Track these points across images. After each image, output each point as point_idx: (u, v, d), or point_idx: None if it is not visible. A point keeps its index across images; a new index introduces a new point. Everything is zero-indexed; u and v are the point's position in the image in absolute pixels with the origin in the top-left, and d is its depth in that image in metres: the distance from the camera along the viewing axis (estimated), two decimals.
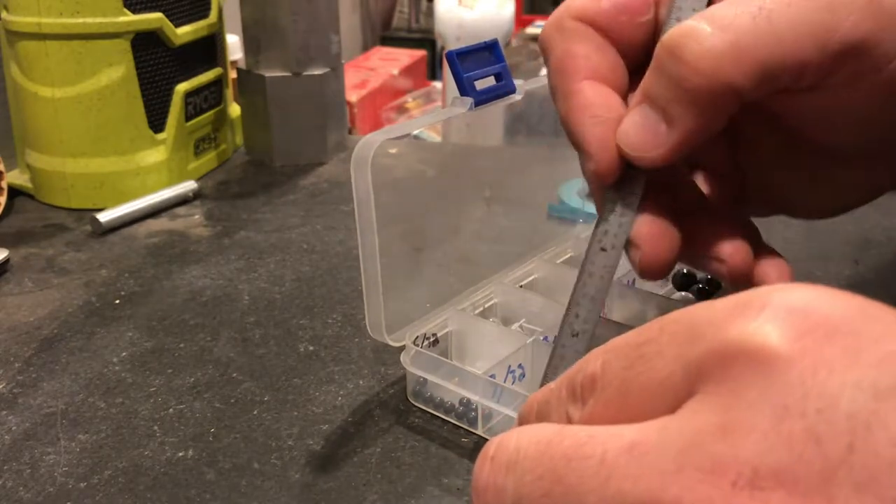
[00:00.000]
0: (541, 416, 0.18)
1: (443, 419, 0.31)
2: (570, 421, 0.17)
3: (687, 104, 0.21)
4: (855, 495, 0.12)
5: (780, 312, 0.14)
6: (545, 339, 0.32)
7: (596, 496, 0.14)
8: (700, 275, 0.38)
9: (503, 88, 0.32)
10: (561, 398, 0.18)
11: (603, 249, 0.23)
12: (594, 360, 0.17)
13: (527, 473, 0.16)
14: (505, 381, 0.31)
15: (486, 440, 0.30)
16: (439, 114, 0.31)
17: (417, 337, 0.32)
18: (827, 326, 0.14)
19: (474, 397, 0.30)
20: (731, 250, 0.24)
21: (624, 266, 0.34)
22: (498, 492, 0.16)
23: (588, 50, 0.23)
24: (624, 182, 0.23)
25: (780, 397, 0.13)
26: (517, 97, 0.32)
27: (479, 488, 0.17)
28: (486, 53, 0.31)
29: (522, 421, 0.19)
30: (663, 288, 0.39)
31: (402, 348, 0.31)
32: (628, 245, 0.23)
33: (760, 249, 0.25)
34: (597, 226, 0.23)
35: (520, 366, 0.31)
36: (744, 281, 0.25)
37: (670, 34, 0.21)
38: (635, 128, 0.22)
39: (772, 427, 0.13)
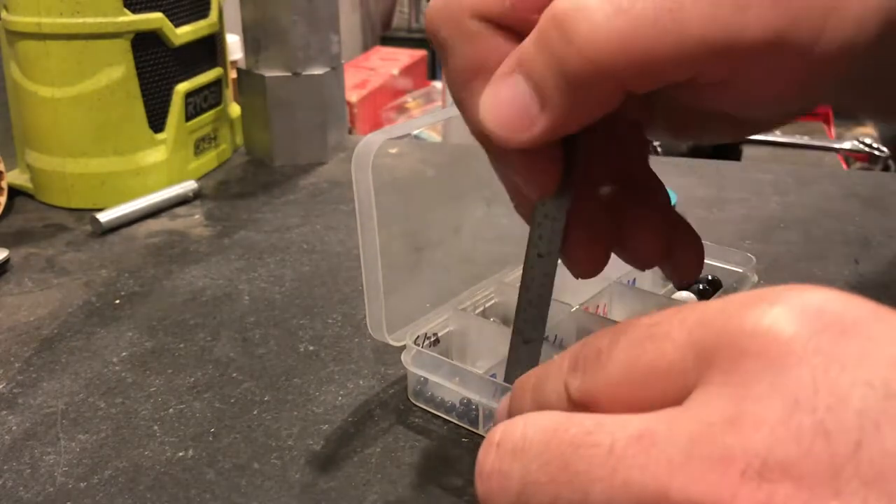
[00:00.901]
0: (537, 388, 0.18)
1: (444, 419, 0.31)
2: (567, 392, 0.17)
3: (565, 88, 0.18)
4: (862, 491, 0.12)
5: (795, 309, 0.14)
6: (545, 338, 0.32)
7: (604, 484, 0.14)
8: (701, 275, 0.38)
9: None
10: (561, 370, 0.17)
11: (540, 255, 0.23)
12: (602, 336, 0.17)
13: (533, 460, 0.15)
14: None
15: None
16: (440, 113, 0.31)
17: (418, 337, 0.32)
18: (840, 325, 0.14)
19: (475, 397, 0.29)
20: (647, 248, 0.25)
21: (623, 267, 0.35)
22: (503, 478, 0.16)
23: (498, 57, 0.20)
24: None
25: (792, 392, 0.13)
26: None
27: (484, 474, 0.16)
28: None
29: (516, 395, 0.19)
30: (663, 288, 0.39)
31: (403, 348, 0.31)
32: (563, 256, 0.23)
33: (677, 232, 0.25)
34: (532, 231, 0.23)
35: None
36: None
37: (560, 3, 0.18)
38: (506, 104, 0.19)
39: (781, 421, 0.13)
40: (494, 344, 0.32)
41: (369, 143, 0.27)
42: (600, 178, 0.25)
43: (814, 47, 0.19)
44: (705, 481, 0.13)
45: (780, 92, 0.20)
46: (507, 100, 0.19)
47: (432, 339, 0.33)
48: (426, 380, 0.32)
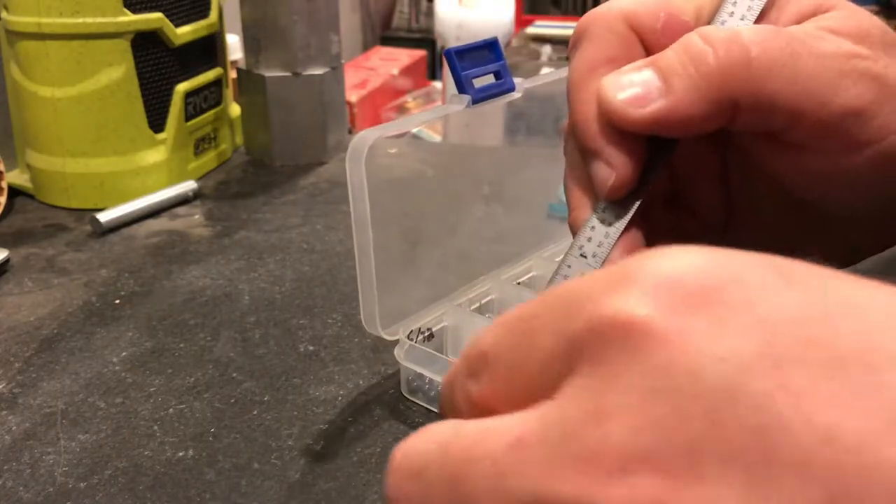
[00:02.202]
0: (446, 397, 0.18)
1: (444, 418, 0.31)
2: (469, 398, 0.17)
3: (689, 82, 0.21)
4: (722, 469, 0.12)
5: (650, 285, 0.14)
6: None
7: (490, 498, 0.14)
8: None
9: (502, 86, 0.32)
10: (461, 375, 0.17)
11: (583, 256, 0.23)
12: (485, 335, 0.17)
13: (431, 482, 0.15)
14: None
15: None
16: (437, 111, 0.31)
17: (412, 331, 0.32)
18: (695, 298, 0.14)
19: None
20: None
21: None
22: (407, 500, 0.16)
23: (629, 57, 0.23)
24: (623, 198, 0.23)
25: (650, 379, 0.13)
26: (516, 95, 0.32)
27: (390, 499, 0.16)
28: (485, 52, 0.31)
29: (440, 403, 0.19)
30: None
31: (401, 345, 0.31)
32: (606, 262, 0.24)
33: None
34: (581, 231, 0.23)
35: None
36: None
37: (714, 28, 0.22)
38: (630, 82, 0.22)
39: (641, 409, 0.13)
40: None
41: (364, 138, 0.28)
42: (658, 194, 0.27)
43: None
44: (574, 482, 0.13)
45: (857, 172, 0.23)
46: (633, 80, 0.22)
47: (426, 333, 0.33)
48: (419, 374, 0.32)
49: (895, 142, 0.22)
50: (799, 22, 0.24)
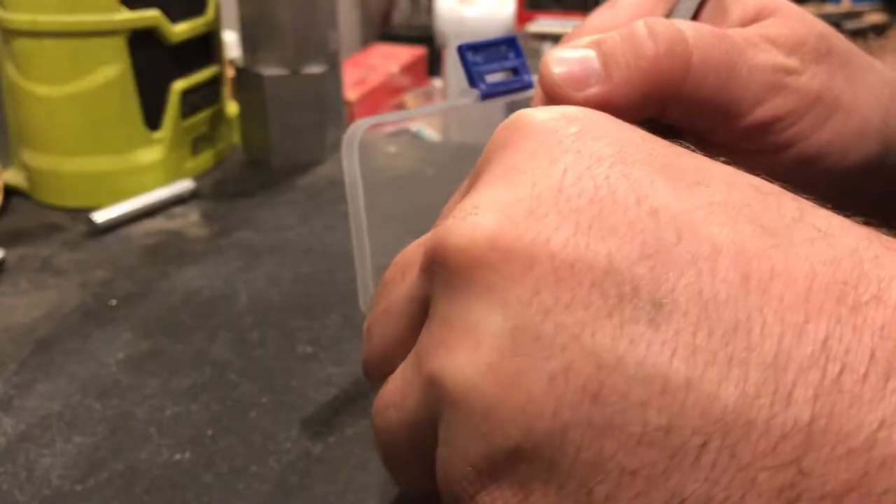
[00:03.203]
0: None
1: None
2: None
3: (629, 73, 0.22)
4: (559, 218, 0.15)
5: (555, 106, 0.19)
6: None
7: (397, 286, 0.19)
8: None
9: (517, 83, 0.31)
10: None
11: None
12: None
13: (375, 296, 0.22)
14: None
15: None
16: (442, 104, 0.31)
17: None
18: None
19: None
20: None
21: None
22: (367, 320, 0.23)
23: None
24: None
25: (513, 160, 0.17)
26: (531, 93, 0.32)
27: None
28: (503, 48, 0.31)
29: None
30: None
31: None
32: None
33: None
34: None
35: None
36: None
37: (662, 22, 0.23)
38: (572, 61, 0.23)
39: (499, 179, 0.17)
40: None
41: (358, 125, 0.28)
42: None
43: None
44: (446, 224, 0.17)
45: (776, 169, 0.24)
46: (575, 58, 0.23)
47: None
48: None
49: (810, 146, 0.23)
50: (742, 25, 0.25)
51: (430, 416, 0.16)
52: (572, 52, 0.23)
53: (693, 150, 0.17)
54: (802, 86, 0.23)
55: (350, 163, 0.28)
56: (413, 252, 0.19)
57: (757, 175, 0.16)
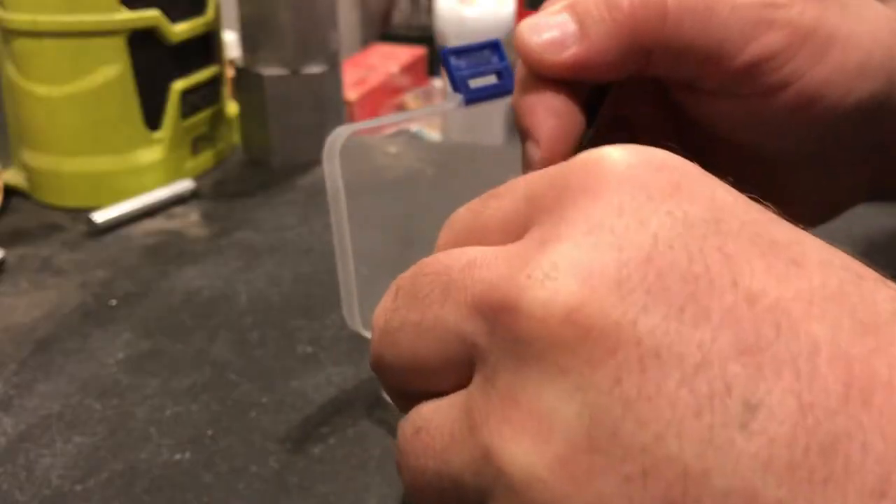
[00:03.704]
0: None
1: None
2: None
3: (605, 28, 0.22)
4: (644, 298, 0.13)
5: (623, 148, 0.16)
6: None
7: (442, 302, 0.16)
8: None
9: (502, 87, 0.31)
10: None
11: None
12: (467, 204, 0.20)
13: (396, 296, 0.18)
14: None
15: None
16: (424, 110, 0.31)
17: None
18: (659, 163, 0.16)
19: None
20: None
21: None
22: (377, 316, 0.19)
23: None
24: None
25: (598, 215, 0.15)
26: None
27: (377, 310, 0.19)
28: (486, 52, 0.31)
29: None
30: None
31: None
32: None
33: None
34: None
35: None
36: None
37: None
38: (546, 25, 0.22)
39: (582, 236, 0.15)
40: None
41: (338, 134, 0.28)
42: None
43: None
44: (516, 282, 0.15)
45: (773, 114, 0.23)
46: (550, 23, 0.22)
47: None
48: None
49: (808, 83, 0.22)
50: None
51: (479, 485, 0.15)
52: (546, 17, 0.22)
53: (781, 215, 0.16)
54: (793, 19, 0.22)
55: (332, 171, 0.28)
56: (455, 263, 0.17)
57: (844, 251, 0.15)
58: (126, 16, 0.50)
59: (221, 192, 0.56)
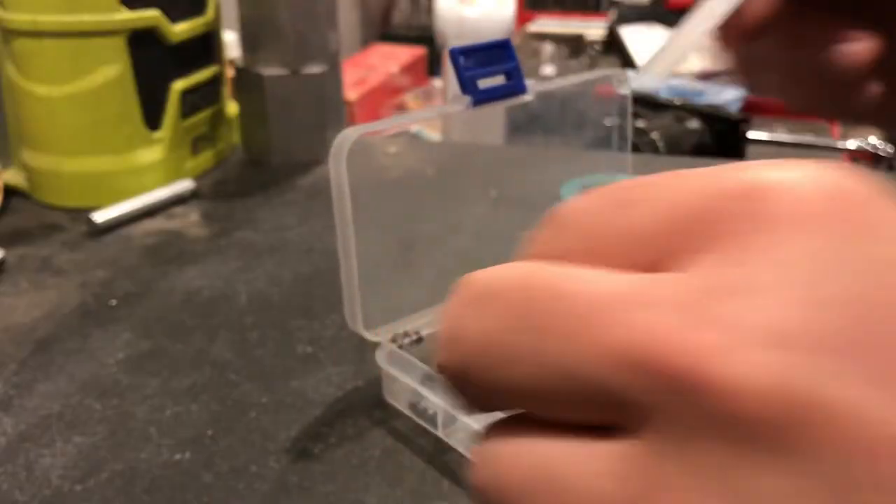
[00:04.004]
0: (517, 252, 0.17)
1: None
2: (540, 253, 0.15)
3: None
4: (863, 366, 0.11)
5: (808, 174, 0.13)
6: None
7: (575, 339, 0.13)
8: None
9: (510, 88, 0.31)
10: (538, 229, 0.16)
11: None
12: (580, 198, 0.15)
13: (494, 307, 0.14)
14: None
15: (446, 443, 0.29)
16: (430, 111, 0.31)
17: (397, 334, 0.32)
18: (858, 197, 0.13)
19: (434, 400, 0.29)
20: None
21: None
22: (459, 325, 0.15)
23: None
24: None
25: (780, 259, 0.12)
26: (527, 98, 0.32)
27: (446, 319, 0.15)
28: (495, 52, 0.30)
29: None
30: None
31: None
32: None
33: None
34: None
35: None
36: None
37: None
38: None
39: (769, 289, 0.12)
40: None
41: (346, 136, 0.28)
42: None
43: None
44: (697, 346, 0.12)
45: None
46: None
47: (414, 337, 0.32)
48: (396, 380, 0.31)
49: None
50: None
51: None
52: None
53: None
54: None
55: (338, 173, 0.28)
56: (590, 289, 0.13)
57: None
58: (126, 16, 0.50)
59: (221, 192, 0.56)
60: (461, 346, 0.15)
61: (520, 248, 0.16)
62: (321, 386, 0.34)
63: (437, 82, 1.73)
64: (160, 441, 0.30)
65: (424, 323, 0.33)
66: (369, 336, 0.31)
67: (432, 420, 0.30)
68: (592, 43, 1.49)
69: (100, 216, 0.49)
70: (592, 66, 1.42)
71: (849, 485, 0.11)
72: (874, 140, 0.96)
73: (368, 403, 0.32)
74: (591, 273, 0.14)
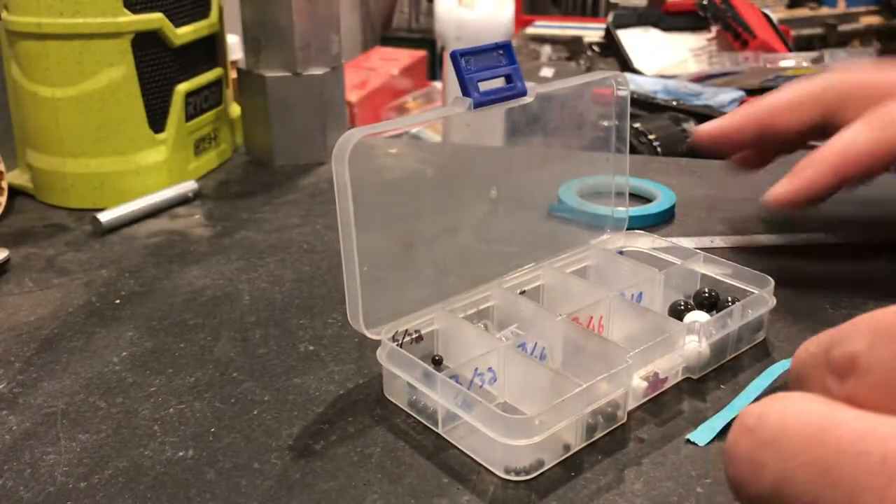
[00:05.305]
0: (799, 379, 0.17)
1: None
2: (828, 392, 0.16)
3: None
4: None
5: None
6: (521, 346, 0.32)
7: (874, 496, 0.13)
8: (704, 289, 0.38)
9: (511, 90, 0.31)
10: (818, 366, 0.16)
11: None
12: (858, 337, 0.15)
13: (793, 456, 0.14)
14: (472, 384, 0.31)
15: (446, 440, 0.30)
16: (433, 113, 0.31)
17: (396, 332, 0.32)
18: None
19: (434, 399, 0.29)
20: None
21: (629, 280, 0.34)
22: (758, 467, 0.15)
23: None
24: None
25: None
26: (527, 100, 0.32)
27: (738, 459, 0.15)
28: (495, 54, 0.31)
29: (791, 375, 0.18)
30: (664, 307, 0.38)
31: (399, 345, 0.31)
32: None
33: None
34: None
35: (489, 369, 0.31)
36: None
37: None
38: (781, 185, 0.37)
39: None
40: (472, 346, 0.32)
41: (349, 137, 0.28)
42: None
43: None
44: None
45: None
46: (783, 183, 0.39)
47: (414, 335, 0.33)
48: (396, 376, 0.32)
49: None
50: None
51: None
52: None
53: None
54: None
55: (341, 174, 0.28)
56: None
57: None
58: (130, 19, 0.51)
59: (224, 193, 0.57)
60: (760, 487, 0.15)
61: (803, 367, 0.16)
62: (323, 384, 0.34)
63: (437, 84, 1.74)
64: (164, 438, 0.31)
65: (424, 321, 0.33)
66: (370, 334, 0.31)
67: (432, 417, 0.30)
68: (590, 45, 1.50)
69: (104, 216, 0.50)
70: (590, 68, 1.42)
71: None
72: None
73: (369, 401, 0.33)
74: (880, 426, 0.14)
